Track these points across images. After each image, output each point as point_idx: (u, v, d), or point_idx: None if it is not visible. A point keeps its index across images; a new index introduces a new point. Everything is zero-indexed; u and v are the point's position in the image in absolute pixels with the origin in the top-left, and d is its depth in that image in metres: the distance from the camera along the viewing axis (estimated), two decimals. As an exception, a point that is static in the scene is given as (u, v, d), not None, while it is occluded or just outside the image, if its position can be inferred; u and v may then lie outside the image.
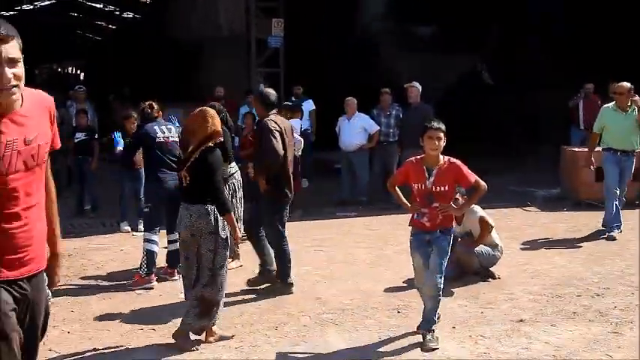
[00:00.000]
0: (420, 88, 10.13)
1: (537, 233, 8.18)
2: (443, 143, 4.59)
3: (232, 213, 4.78)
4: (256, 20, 13.87)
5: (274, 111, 5.94)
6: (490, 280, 6.21)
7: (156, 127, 6.43)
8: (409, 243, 4.77)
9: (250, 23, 14.00)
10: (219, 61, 15.35)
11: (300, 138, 8.63)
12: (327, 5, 15.76)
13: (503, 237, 6.87)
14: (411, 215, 4.81)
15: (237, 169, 7.08)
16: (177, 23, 18.03)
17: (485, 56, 18.32)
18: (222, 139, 4.86)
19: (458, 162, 4.65)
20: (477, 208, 6.31)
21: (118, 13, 25.35)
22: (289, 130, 6.01)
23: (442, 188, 4.61)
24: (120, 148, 7.60)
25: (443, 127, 4.60)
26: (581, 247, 7.47)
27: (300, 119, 11.83)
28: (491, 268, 6.35)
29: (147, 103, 6.71)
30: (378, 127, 10.30)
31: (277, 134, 5.71)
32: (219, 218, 4.63)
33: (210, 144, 4.63)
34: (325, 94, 12.47)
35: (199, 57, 16.34)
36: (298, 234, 8.46)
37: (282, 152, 5.72)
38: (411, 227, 4.78)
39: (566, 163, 10.44)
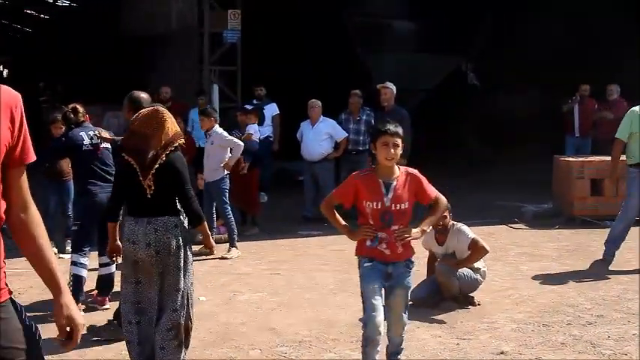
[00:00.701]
0: (394, 89, 10.18)
1: (524, 254, 8.25)
2: (400, 151, 4.31)
3: (205, 221, 4.80)
4: (210, 12, 13.81)
5: None
6: (469, 307, 6.23)
7: (82, 133, 6.34)
8: (360, 271, 4.39)
9: (203, 15, 13.94)
10: (168, 58, 15.24)
11: (240, 143, 8.69)
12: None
13: (485, 257, 6.89)
14: (357, 243, 4.44)
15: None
16: (120, 14, 17.88)
17: (473, 55, 18.56)
18: (183, 141, 4.83)
19: (417, 173, 4.45)
20: (465, 228, 6.34)
21: (51, 0, 25.10)
22: None
23: (402, 206, 4.31)
24: None
25: (400, 130, 4.31)
26: (573, 269, 7.53)
27: (261, 125, 11.86)
28: (471, 294, 6.38)
29: (70, 106, 6.63)
30: (346, 134, 10.31)
31: None
32: (187, 229, 4.63)
33: (173, 147, 4.62)
34: (291, 97, 12.45)
35: (145, 53, 16.21)
36: (253, 255, 8.45)
37: None
38: (361, 258, 4.41)
39: (558, 175, 10.57)
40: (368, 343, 4.30)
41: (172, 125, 4.69)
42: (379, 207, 4.28)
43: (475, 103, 17.62)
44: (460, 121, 17.06)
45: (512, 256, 8.12)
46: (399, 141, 4.27)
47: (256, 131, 9.95)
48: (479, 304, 6.28)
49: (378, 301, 4.30)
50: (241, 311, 6.22)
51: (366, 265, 4.36)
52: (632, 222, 7.59)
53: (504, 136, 16.19)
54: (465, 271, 6.32)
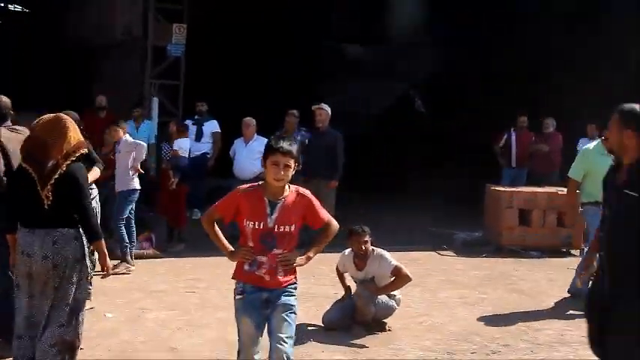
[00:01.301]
0: (329, 111, 10.13)
1: (446, 281, 8.22)
2: (292, 172, 3.94)
3: (103, 239, 4.59)
4: (155, 24, 13.66)
5: (9, 123, 5.45)
6: (379, 333, 6.15)
7: None
8: (235, 303, 4.00)
9: (148, 27, 13.78)
10: (112, 69, 15.05)
11: (142, 143, 8.74)
12: (243, 9, 15.72)
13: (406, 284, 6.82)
14: (236, 265, 4.06)
15: (97, 193, 6.92)
16: (67, 24, 17.68)
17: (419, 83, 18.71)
18: (86, 150, 4.69)
19: (309, 194, 4.08)
20: (386, 254, 6.28)
21: (2, 4, 24.65)
22: (17, 144, 5.07)
23: (287, 228, 3.93)
24: None
25: (294, 149, 3.94)
26: (492, 298, 7.52)
27: (199, 140, 11.76)
28: (384, 320, 6.31)
29: None
30: (279, 153, 10.20)
31: None
32: (86, 243, 4.48)
33: (75, 157, 4.47)
34: (235, 115, 12.34)
35: (90, 63, 16.02)
36: (172, 272, 8.29)
37: (1, 171, 5.15)
38: (237, 282, 4.02)
39: (489, 204, 10.62)
40: None
41: (75, 134, 4.56)
42: (260, 227, 3.92)
43: (423, 127, 17.70)
44: (407, 145, 17.11)
45: (433, 282, 8.08)
46: (291, 162, 3.91)
47: (183, 147, 9.82)
48: (389, 330, 6.22)
49: (251, 331, 3.93)
50: (146, 329, 6.07)
51: (237, 297, 3.99)
52: None
53: (454, 160, 16.23)
54: (382, 297, 6.26)
